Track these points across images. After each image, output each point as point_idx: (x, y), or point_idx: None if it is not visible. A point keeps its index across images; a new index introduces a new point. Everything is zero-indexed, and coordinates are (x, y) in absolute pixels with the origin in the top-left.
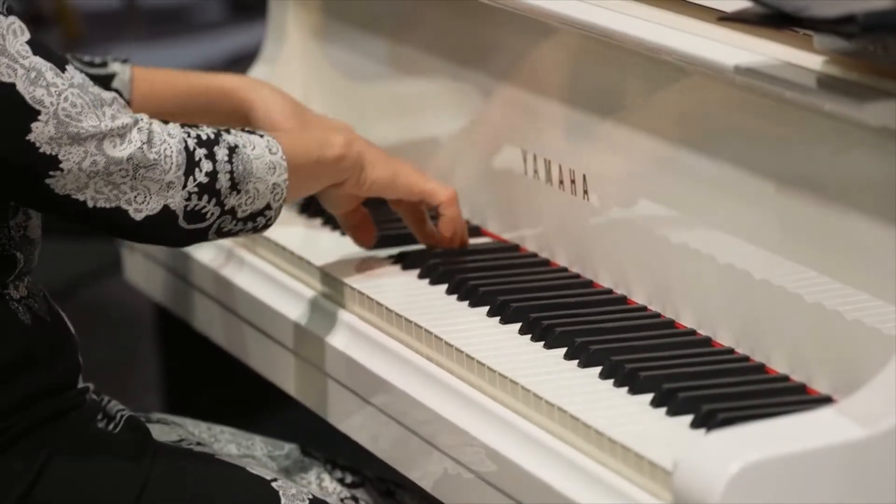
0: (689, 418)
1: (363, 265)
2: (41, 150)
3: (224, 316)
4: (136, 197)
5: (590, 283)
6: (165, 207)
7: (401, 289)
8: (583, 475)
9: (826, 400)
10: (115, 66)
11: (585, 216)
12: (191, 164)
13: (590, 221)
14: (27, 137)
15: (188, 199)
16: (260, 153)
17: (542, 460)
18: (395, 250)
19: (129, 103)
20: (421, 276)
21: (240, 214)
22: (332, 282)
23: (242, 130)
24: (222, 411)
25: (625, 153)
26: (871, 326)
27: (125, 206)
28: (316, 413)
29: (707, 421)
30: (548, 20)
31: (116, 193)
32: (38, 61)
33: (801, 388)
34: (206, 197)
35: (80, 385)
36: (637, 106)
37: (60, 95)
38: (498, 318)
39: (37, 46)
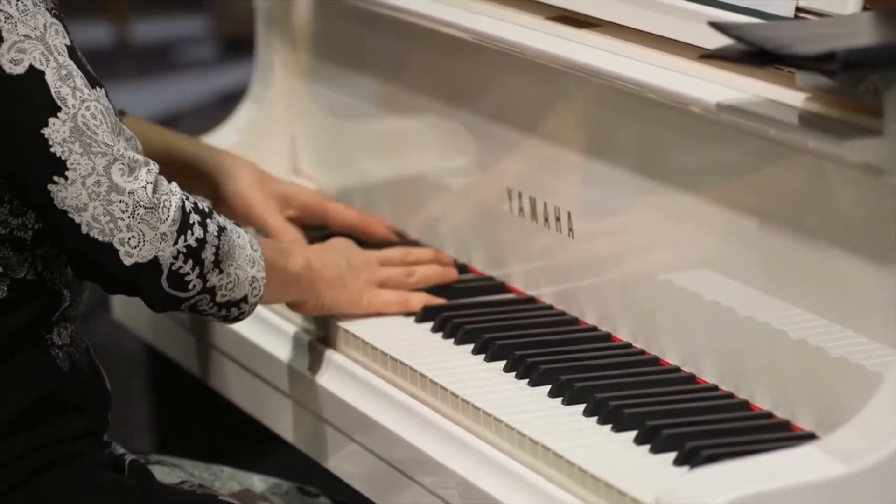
0: (672, 455)
1: None
2: (52, 150)
3: (213, 355)
4: (130, 239)
5: (575, 321)
6: (155, 259)
7: (387, 327)
8: None
9: (810, 436)
10: None
11: (570, 254)
12: (184, 224)
13: (575, 259)
14: (42, 130)
15: (175, 258)
16: (243, 244)
17: (527, 497)
18: None
19: None
20: (407, 315)
21: (218, 298)
22: (319, 321)
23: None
24: (216, 451)
25: (609, 191)
26: (854, 363)
27: (117, 246)
28: (304, 452)
29: (691, 458)
30: (533, 59)
31: (112, 228)
32: (71, 64)
33: (785, 425)
34: (191, 262)
35: (103, 441)
36: (621, 143)
37: (84, 103)
38: (483, 356)
39: (74, 54)
